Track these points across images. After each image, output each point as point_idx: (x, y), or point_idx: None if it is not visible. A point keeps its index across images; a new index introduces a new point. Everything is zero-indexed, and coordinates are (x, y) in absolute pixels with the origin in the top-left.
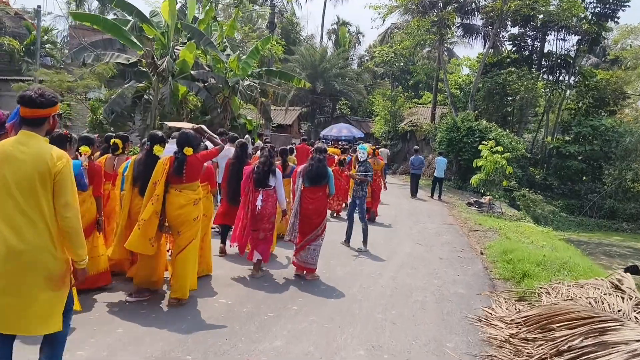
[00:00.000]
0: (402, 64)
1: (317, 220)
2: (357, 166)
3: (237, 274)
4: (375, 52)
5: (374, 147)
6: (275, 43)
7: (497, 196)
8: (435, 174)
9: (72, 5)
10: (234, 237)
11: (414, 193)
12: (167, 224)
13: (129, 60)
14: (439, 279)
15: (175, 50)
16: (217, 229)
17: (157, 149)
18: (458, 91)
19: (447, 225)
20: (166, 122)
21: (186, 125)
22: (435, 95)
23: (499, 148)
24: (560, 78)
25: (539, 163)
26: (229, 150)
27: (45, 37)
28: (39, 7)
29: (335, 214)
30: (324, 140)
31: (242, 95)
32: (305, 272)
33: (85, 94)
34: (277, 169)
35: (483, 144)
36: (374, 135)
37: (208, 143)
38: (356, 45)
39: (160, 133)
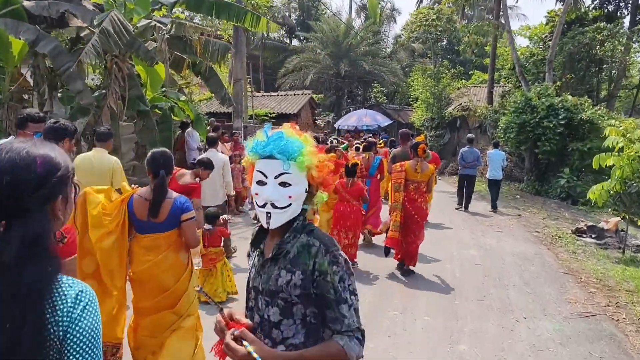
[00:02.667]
0: (444, 42)
1: None
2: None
3: None
4: (413, 15)
5: (421, 142)
6: None
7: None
8: (488, 175)
9: None
10: None
11: (464, 203)
12: None
13: None
14: None
15: None
16: None
17: None
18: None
19: (582, 317)
20: None
21: None
22: (492, 69)
23: None
24: None
25: None
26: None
27: None
28: None
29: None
30: (345, 134)
31: (107, 38)
32: None
33: None
34: None
35: (613, 127)
36: (414, 124)
37: None
38: (391, 23)
39: None
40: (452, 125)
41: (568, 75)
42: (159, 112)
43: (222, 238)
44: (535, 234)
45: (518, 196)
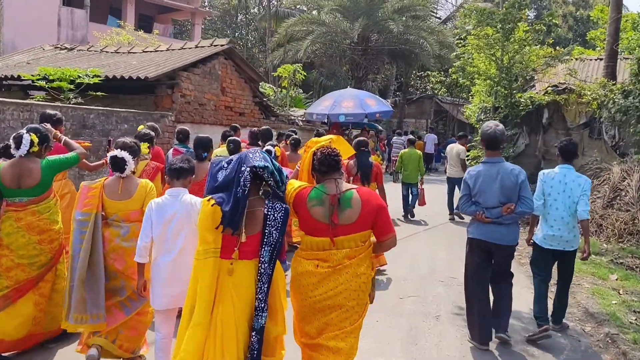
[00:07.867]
0: (531, 16)
1: None
2: None
3: None
4: None
5: None
6: None
7: None
8: (542, 235)
9: None
10: None
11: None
12: None
13: None
14: None
15: None
16: None
17: None
18: None
19: None
20: None
21: None
22: (617, 24)
23: None
24: None
25: None
26: None
27: None
28: None
29: None
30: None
31: None
32: None
33: None
34: None
35: None
36: (469, 121)
37: None
38: None
39: None
40: (534, 121)
41: None
42: None
43: None
44: None
45: None
